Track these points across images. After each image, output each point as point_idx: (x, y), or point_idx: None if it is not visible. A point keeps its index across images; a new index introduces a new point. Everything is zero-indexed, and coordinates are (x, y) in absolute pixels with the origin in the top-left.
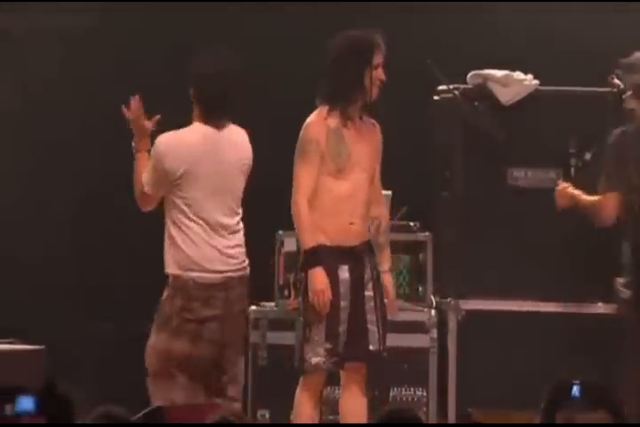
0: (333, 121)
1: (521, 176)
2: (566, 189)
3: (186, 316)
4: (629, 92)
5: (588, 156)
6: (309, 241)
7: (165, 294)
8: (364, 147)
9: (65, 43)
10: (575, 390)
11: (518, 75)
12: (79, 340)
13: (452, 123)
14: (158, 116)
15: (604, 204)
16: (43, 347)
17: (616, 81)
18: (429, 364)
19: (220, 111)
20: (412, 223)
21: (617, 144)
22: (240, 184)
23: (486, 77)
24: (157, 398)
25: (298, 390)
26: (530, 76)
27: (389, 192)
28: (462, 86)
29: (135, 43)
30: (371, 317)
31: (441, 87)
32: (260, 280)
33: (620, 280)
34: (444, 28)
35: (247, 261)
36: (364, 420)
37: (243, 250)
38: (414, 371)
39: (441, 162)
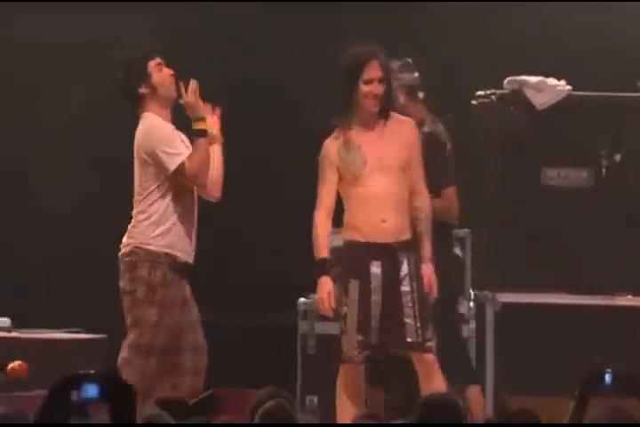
0: (344, 132)
1: (554, 176)
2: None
3: None
4: (403, 90)
5: (617, 157)
6: (319, 253)
7: None
8: (385, 149)
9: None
10: (608, 377)
11: (552, 81)
12: None
13: (490, 126)
14: None
15: (452, 198)
16: (105, 336)
17: None
18: (469, 353)
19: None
20: None
21: (434, 142)
22: (138, 173)
23: (522, 83)
24: None
25: (338, 379)
26: (563, 82)
27: None
28: (499, 91)
29: (186, 48)
30: (408, 311)
31: (479, 92)
32: (309, 274)
33: None
34: (483, 36)
35: (129, 247)
36: None
37: (128, 237)
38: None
39: (479, 163)
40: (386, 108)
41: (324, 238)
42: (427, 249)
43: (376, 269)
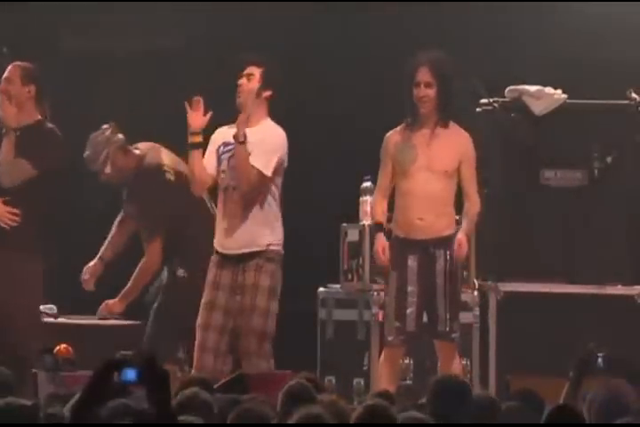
0: (405, 129)
1: (551, 176)
2: None
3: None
4: None
5: (609, 159)
6: (375, 219)
7: (269, 267)
8: (435, 153)
9: (159, 63)
10: (599, 360)
11: (549, 89)
12: None
13: (493, 131)
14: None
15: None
16: (140, 322)
17: (633, 95)
18: (473, 337)
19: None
20: (457, 217)
21: None
22: None
23: (521, 92)
24: (270, 360)
25: (380, 360)
26: (559, 91)
27: None
28: (501, 100)
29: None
30: (440, 302)
31: (483, 100)
32: (327, 266)
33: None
34: (486, 49)
35: None
36: None
37: None
38: (460, 344)
39: (482, 164)
40: (440, 112)
41: (379, 210)
42: (466, 226)
43: (412, 262)
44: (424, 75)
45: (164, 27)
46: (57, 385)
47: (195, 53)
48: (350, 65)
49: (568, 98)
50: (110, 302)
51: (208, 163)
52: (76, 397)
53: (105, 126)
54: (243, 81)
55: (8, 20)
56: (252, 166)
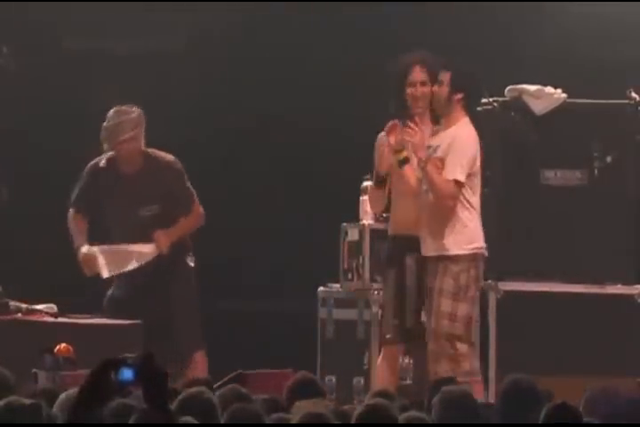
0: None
1: (551, 176)
2: None
3: (479, 284)
4: None
5: (609, 159)
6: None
7: (454, 269)
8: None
9: (159, 63)
10: None
11: (549, 89)
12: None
13: (493, 130)
14: None
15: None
16: (140, 322)
17: (633, 94)
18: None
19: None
20: None
21: None
22: None
23: (521, 91)
24: (468, 361)
25: (378, 359)
26: (559, 90)
27: None
28: (501, 99)
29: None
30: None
31: (483, 100)
32: (327, 265)
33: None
34: (486, 50)
35: None
36: None
37: None
38: None
39: (483, 163)
40: (434, 110)
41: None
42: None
43: (410, 260)
44: (418, 74)
45: (164, 27)
46: (57, 385)
47: (194, 54)
48: (351, 65)
49: (568, 97)
50: (162, 232)
51: None
52: (66, 394)
53: (130, 107)
54: (435, 87)
55: (8, 19)
56: (447, 180)
